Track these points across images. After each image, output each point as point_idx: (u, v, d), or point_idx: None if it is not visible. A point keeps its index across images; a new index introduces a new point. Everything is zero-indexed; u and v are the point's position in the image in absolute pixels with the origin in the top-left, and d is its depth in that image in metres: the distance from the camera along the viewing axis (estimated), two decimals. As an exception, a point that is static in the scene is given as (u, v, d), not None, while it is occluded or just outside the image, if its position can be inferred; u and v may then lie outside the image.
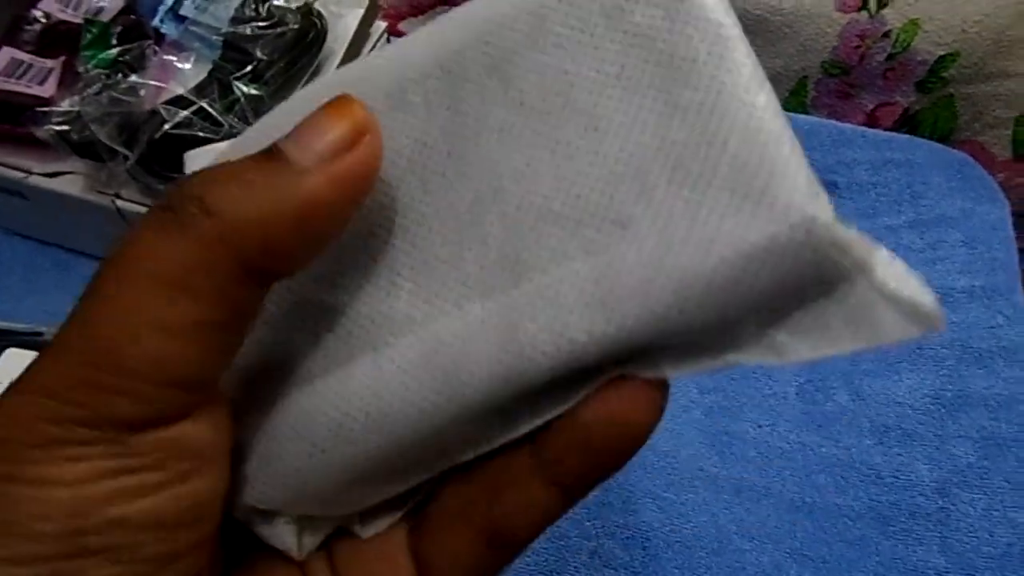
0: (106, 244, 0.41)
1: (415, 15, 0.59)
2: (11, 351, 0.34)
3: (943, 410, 0.38)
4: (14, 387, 0.13)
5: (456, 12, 0.15)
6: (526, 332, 0.13)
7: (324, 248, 0.14)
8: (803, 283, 0.12)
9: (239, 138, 0.17)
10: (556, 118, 0.14)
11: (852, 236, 0.12)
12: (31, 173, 0.37)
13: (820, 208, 0.12)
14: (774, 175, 0.13)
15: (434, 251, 0.14)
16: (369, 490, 0.15)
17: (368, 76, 0.15)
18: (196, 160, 0.18)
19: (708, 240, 0.12)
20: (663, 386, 0.14)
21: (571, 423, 0.14)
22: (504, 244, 0.14)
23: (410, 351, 0.14)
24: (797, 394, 0.39)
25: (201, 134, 0.34)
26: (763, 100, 0.13)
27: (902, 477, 0.36)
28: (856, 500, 0.36)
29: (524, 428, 0.14)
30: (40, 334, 0.37)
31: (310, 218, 0.13)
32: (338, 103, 0.14)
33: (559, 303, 0.13)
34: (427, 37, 0.15)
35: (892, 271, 0.13)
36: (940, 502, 0.36)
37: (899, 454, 0.37)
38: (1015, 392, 0.39)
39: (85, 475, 0.13)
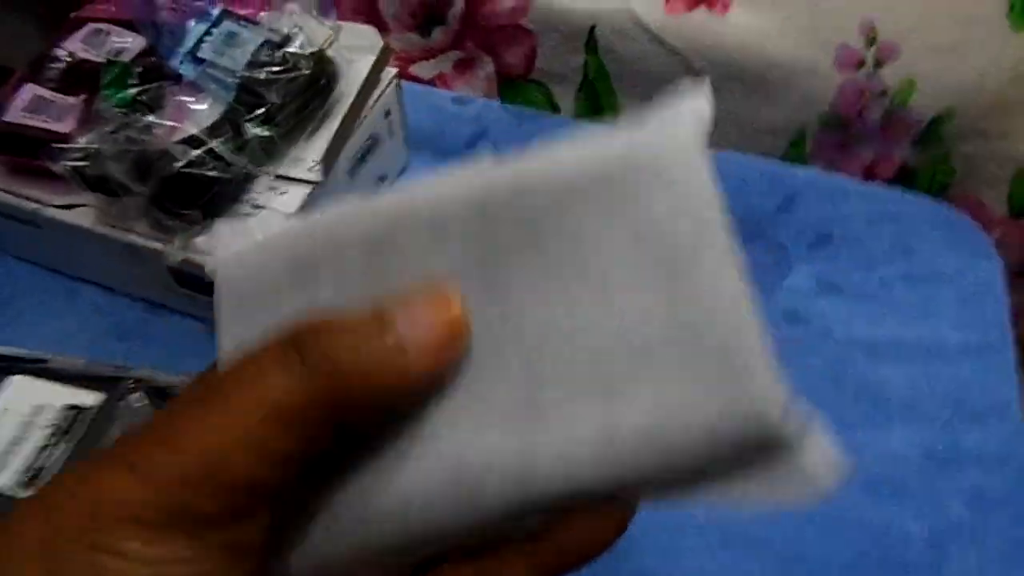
0: (113, 273, 0.42)
1: (427, 59, 0.61)
2: (16, 379, 0.35)
3: (935, 465, 0.38)
4: (113, 459, 0.15)
5: (497, 165, 0.18)
6: (542, 461, 0.16)
7: (398, 413, 0.17)
8: (754, 452, 0.17)
9: (282, 230, 0.19)
10: (575, 282, 0.17)
11: (792, 425, 0.17)
12: (46, 205, 0.38)
13: (775, 399, 0.17)
14: (746, 368, 0.17)
15: (465, 382, 0.17)
16: (378, 567, 0.18)
17: (413, 205, 0.18)
18: (225, 231, 0.21)
19: (692, 411, 0.16)
20: (634, 508, 0.17)
21: (560, 531, 0.17)
22: (527, 384, 0.16)
23: (438, 465, 0.16)
24: (789, 444, 0.39)
25: (211, 173, 0.36)
26: (742, 289, 0.17)
27: (893, 532, 0.36)
28: (845, 554, 0.36)
29: (526, 530, 0.17)
30: (45, 361, 0.38)
31: (401, 390, 0.16)
32: (446, 300, 0.17)
33: (571, 441, 0.16)
34: (468, 179, 0.18)
35: (819, 452, 0.18)
36: (930, 558, 0.36)
37: (890, 508, 0.37)
38: (1007, 449, 0.39)
39: (165, 557, 0.15)
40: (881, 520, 0.37)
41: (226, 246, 0.20)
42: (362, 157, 0.44)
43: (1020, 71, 0.48)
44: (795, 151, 0.54)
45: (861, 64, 0.50)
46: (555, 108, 0.60)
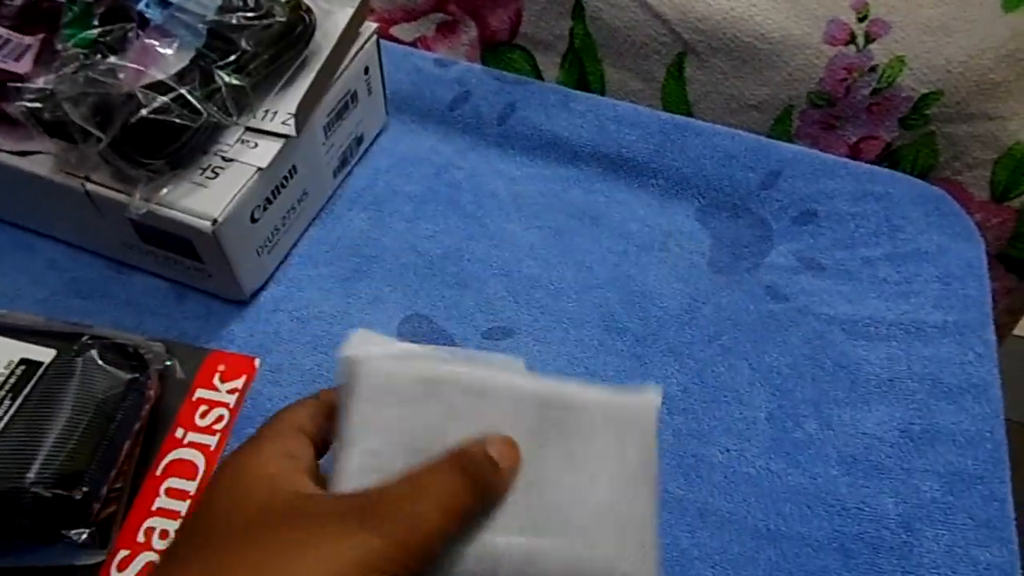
0: (72, 227, 0.40)
1: (408, 20, 0.59)
2: (-37, 331, 0.33)
3: (911, 444, 0.38)
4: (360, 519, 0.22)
5: (556, 381, 0.28)
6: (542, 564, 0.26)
7: None
8: None
9: (414, 355, 0.28)
10: (578, 465, 0.27)
11: None
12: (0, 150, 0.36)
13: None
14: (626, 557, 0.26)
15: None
16: None
17: (508, 383, 0.27)
18: (361, 337, 0.27)
19: (582, 557, 0.26)
20: None
21: None
22: (536, 511, 0.26)
23: (472, 552, 0.25)
24: (767, 420, 0.39)
25: (178, 121, 0.34)
26: (652, 511, 0.28)
27: (867, 509, 0.36)
28: (820, 530, 0.36)
29: None
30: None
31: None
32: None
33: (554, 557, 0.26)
34: (541, 382, 0.28)
35: None
36: (904, 536, 0.36)
37: (865, 486, 0.37)
38: (982, 429, 0.39)
39: None
40: (855, 498, 0.36)
41: (362, 343, 0.27)
42: (339, 114, 0.42)
43: (1010, 52, 0.48)
44: (780, 128, 0.54)
45: (851, 39, 0.49)
46: (539, 76, 0.58)
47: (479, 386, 0.27)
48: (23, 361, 0.32)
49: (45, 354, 0.33)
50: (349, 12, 0.41)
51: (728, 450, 0.38)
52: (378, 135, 0.49)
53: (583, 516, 0.26)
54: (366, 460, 0.25)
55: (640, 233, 0.46)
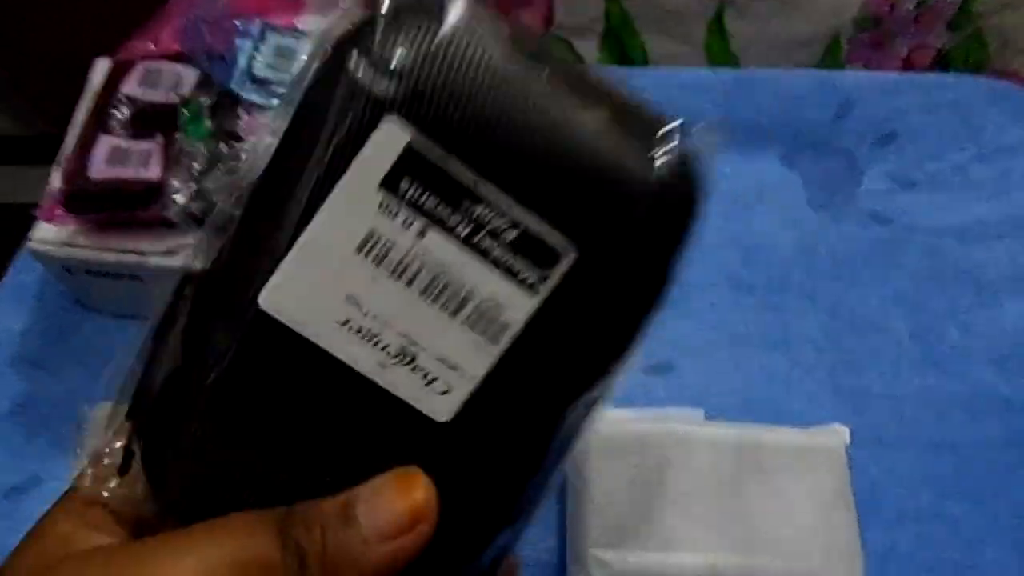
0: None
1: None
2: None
3: (1051, 330, 0.40)
4: None
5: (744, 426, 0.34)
6: None
7: None
8: None
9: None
10: (780, 497, 0.32)
11: None
12: (148, 255, 0.38)
13: None
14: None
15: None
16: None
17: (702, 431, 0.34)
18: None
19: None
20: None
21: None
22: (745, 536, 0.32)
23: None
24: (910, 338, 0.41)
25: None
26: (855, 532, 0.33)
27: (1028, 401, 0.38)
28: (993, 430, 0.37)
29: None
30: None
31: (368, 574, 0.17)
32: (410, 485, 0.17)
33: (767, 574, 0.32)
34: (728, 429, 0.34)
35: None
36: (1071, 418, 0.37)
37: (1022, 379, 0.38)
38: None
39: None
40: (1018, 392, 0.38)
41: None
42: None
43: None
44: (831, 58, 0.55)
45: (890, -42, 0.50)
46: (579, 61, 0.59)
47: (685, 437, 0.33)
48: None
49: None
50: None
51: (883, 375, 0.39)
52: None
53: (788, 538, 0.31)
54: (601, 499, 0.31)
55: (733, 190, 0.47)
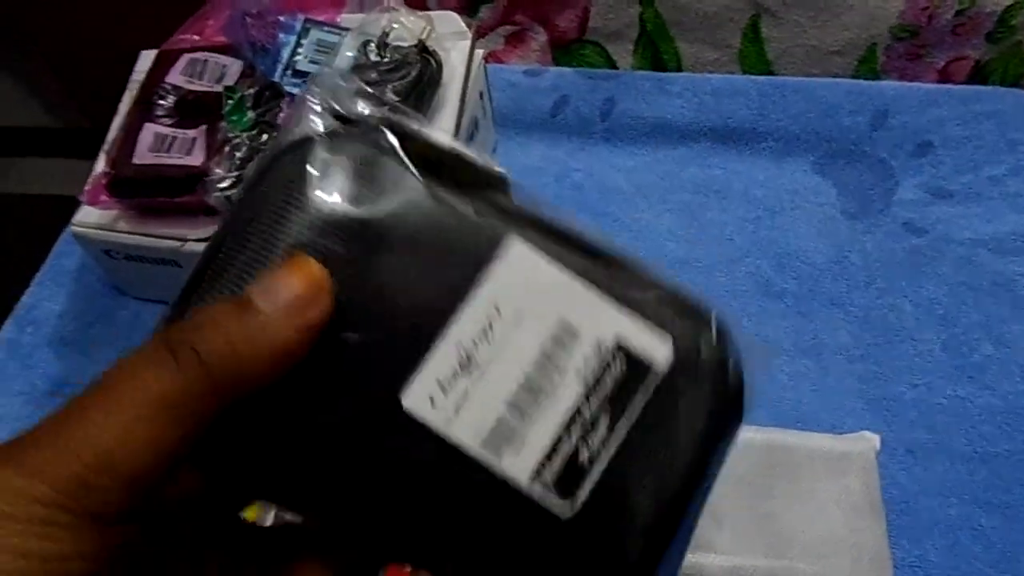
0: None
1: (477, 38, 0.60)
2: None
3: (1087, 346, 0.39)
4: (2, 458, 0.15)
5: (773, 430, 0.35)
6: None
7: (282, 375, 0.17)
8: None
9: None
10: (805, 497, 0.33)
11: None
12: (185, 240, 0.38)
13: None
14: None
15: None
16: None
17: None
18: None
19: None
20: None
21: None
22: (773, 539, 0.32)
23: None
24: (943, 350, 0.40)
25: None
26: (884, 540, 0.33)
27: (1063, 416, 0.37)
28: (1026, 443, 0.37)
29: None
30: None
31: (278, 356, 0.17)
32: (300, 264, 0.17)
33: None
34: (758, 432, 0.35)
35: None
36: (1106, 434, 0.37)
37: (1058, 394, 0.38)
38: None
39: (60, 554, 0.15)
40: (1052, 406, 0.38)
41: None
42: (469, 141, 0.44)
43: (1094, -52, 0.48)
44: (866, 67, 0.54)
45: (930, -32, 0.50)
46: (613, 67, 0.59)
47: None
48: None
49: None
50: (465, 46, 0.42)
51: (915, 385, 0.39)
52: (492, 153, 0.51)
53: (816, 542, 0.31)
54: None
55: (767, 197, 0.47)
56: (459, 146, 0.19)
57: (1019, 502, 0.35)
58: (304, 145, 0.18)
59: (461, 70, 0.41)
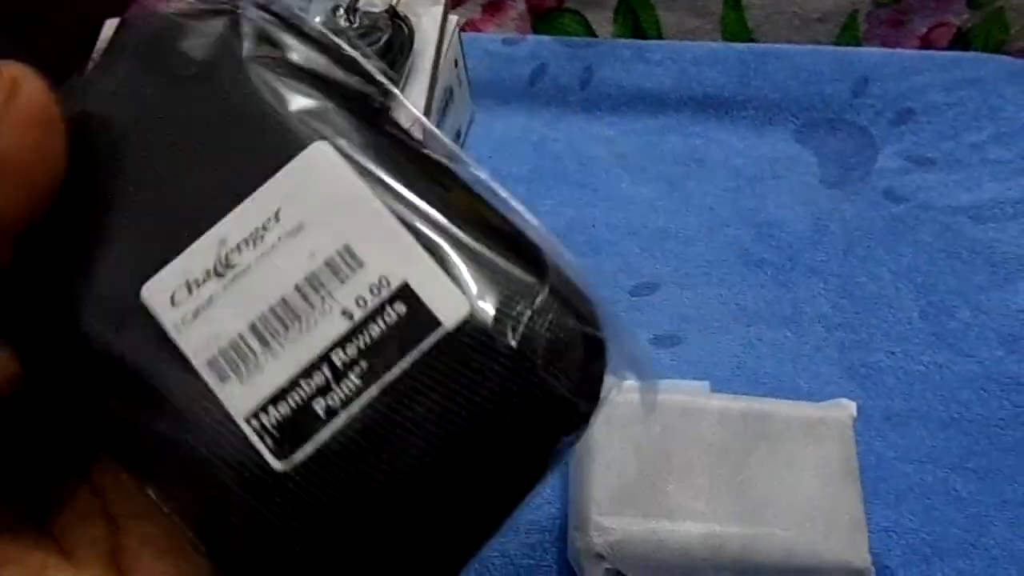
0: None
1: (454, 7, 0.59)
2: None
3: (1064, 312, 0.39)
4: None
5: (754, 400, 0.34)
6: (761, 549, 0.32)
7: (45, 199, 0.15)
8: None
9: None
10: (786, 468, 0.33)
11: None
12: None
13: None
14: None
15: None
16: None
17: (706, 411, 0.34)
18: None
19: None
20: None
21: None
22: (750, 505, 0.32)
23: (693, 542, 0.32)
24: (920, 317, 0.40)
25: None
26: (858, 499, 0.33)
27: (1038, 381, 0.38)
28: (1002, 409, 0.37)
29: None
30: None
31: (9, 173, 0.14)
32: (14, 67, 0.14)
33: (771, 543, 0.32)
34: (736, 401, 0.34)
35: None
36: (1081, 399, 0.37)
37: (1034, 359, 0.38)
38: None
39: None
40: (1028, 372, 0.38)
41: None
42: (443, 112, 0.43)
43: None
44: (848, 35, 0.54)
45: (912, -68, 0.49)
46: (592, 35, 0.58)
47: (691, 407, 0.33)
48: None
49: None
50: (438, 12, 0.41)
51: (893, 352, 0.39)
52: (469, 125, 0.50)
53: (792, 509, 0.31)
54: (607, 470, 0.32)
55: (747, 166, 0.46)
56: (333, 40, 0.17)
57: (995, 467, 0.36)
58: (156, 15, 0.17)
59: (434, 36, 0.40)
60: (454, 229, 0.15)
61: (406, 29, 0.39)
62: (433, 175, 0.16)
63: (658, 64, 0.51)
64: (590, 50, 0.52)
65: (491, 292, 0.15)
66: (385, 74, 0.17)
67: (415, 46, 0.40)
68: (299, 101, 0.16)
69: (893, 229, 0.43)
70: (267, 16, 0.16)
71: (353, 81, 0.16)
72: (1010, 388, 0.37)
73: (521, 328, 0.15)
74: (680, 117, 0.49)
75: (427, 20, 0.41)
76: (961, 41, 0.54)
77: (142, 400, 0.15)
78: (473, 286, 0.15)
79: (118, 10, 0.42)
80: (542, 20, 0.58)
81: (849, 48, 0.50)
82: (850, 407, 0.33)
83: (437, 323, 0.14)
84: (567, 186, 0.46)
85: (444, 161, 0.16)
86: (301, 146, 0.15)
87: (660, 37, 0.57)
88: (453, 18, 0.44)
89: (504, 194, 0.16)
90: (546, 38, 0.53)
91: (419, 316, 0.14)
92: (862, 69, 0.49)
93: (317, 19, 0.39)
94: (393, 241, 0.15)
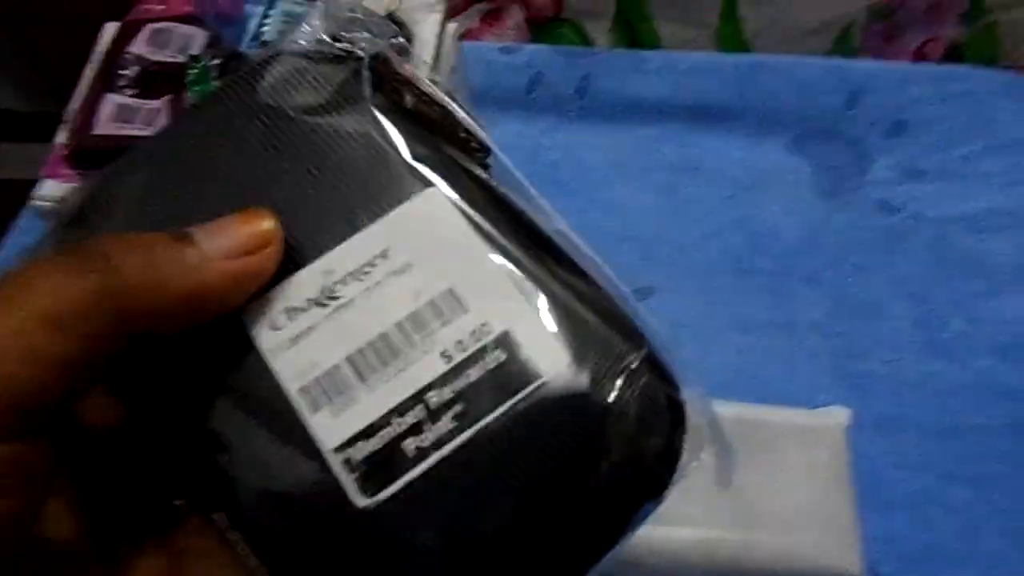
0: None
1: (453, 15, 0.59)
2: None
3: (1056, 322, 0.40)
4: None
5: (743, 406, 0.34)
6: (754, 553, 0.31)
7: (205, 321, 0.15)
8: None
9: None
10: (778, 474, 0.32)
11: None
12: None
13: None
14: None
15: None
16: None
17: None
18: None
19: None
20: None
21: None
22: (743, 511, 0.31)
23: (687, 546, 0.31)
24: (914, 326, 0.40)
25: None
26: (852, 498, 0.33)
27: (1031, 391, 0.38)
28: (995, 418, 0.37)
29: None
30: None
31: (199, 298, 0.15)
32: (253, 212, 0.16)
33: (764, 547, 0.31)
34: (728, 405, 0.34)
35: None
36: (1073, 409, 0.37)
37: (1026, 369, 0.38)
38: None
39: None
40: (1020, 381, 0.38)
41: None
42: (441, 118, 0.43)
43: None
44: (842, 48, 0.54)
45: (905, -53, 0.50)
46: (589, 45, 0.59)
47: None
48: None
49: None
50: (436, 19, 0.42)
51: (887, 361, 0.39)
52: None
53: (785, 515, 0.31)
54: None
55: (742, 175, 0.47)
56: (443, 97, 0.18)
57: (987, 475, 0.36)
58: (269, 58, 0.18)
59: (432, 43, 0.41)
60: (555, 287, 0.16)
61: (407, 35, 0.39)
62: (535, 235, 0.17)
63: (654, 74, 0.51)
64: (587, 59, 0.52)
65: (589, 352, 0.15)
66: (484, 129, 0.18)
67: (413, 52, 0.41)
68: (413, 147, 0.17)
69: (886, 239, 0.44)
70: (384, 67, 0.18)
71: (461, 134, 0.17)
72: (1003, 397, 0.38)
73: (615, 390, 0.15)
74: (675, 127, 0.49)
75: (426, 27, 0.41)
76: (954, 55, 0.55)
77: (225, 420, 0.15)
78: (572, 344, 0.15)
79: (118, 11, 0.43)
80: (540, 30, 0.59)
81: (843, 60, 0.51)
82: (843, 415, 0.33)
83: (536, 375, 0.15)
84: (563, 194, 0.47)
85: (542, 222, 0.17)
86: (414, 190, 0.16)
87: (657, 48, 0.57)
88: (452, 26, 0.44)
89: (598, 260, 0.18)
90: (544, 47, 0.53)
91: (517, 366, 0.15)
92: (856, 81, 0.49)
93: (316, 22, 0.39)
94: (497, 290, 0.15)
